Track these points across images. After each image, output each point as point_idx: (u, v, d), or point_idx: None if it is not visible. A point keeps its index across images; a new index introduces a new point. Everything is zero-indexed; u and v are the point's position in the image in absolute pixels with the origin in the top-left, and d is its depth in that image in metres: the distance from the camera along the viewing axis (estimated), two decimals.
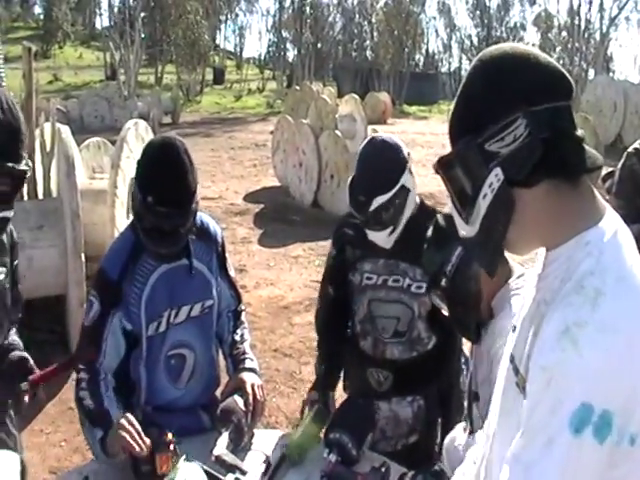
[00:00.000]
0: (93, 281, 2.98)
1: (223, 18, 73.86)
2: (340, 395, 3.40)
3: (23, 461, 2.32)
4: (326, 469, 2.55)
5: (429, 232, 2.70)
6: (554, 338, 1.26)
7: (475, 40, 73.26)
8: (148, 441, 2.51)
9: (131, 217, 2.86)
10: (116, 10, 55.96)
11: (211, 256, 3.01)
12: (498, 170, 1.36)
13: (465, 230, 1.48)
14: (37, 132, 7.20)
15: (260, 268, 10.24)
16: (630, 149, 3.42)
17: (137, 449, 2.48)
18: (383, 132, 3.38)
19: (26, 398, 2.53)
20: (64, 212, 6.53)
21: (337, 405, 3.15)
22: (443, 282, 2.39)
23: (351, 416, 2.81)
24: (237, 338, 3.14)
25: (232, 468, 2.54)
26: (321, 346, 3.49)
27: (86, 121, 28.23)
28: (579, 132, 1.38)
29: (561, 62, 52.55)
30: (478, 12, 72.65)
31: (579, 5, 48.21)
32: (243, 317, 3.25)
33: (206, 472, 2.48)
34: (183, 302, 2.91)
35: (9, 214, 2.40)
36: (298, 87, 25.54)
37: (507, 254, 2.10)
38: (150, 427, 2.64)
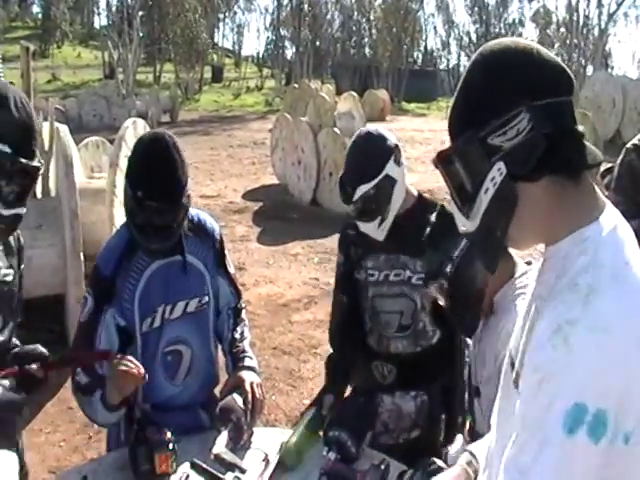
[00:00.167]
0: (88, 278, 2.99)
1: (221, 16, 73.82)
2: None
3: (24, 461, 2.32)
4: (325, 467, 2.54)
5: (432, 218, 2.72)
6: (546, 336, 1.26)
7: (474, 37, 73.19)
8: (143, 370, 2.59)
9: None
10: (114, 9, 56.18)
11: (207, 252, 3.01)
12: (501, 164, 1.35)
13: (465, 225, 1.47)
14: None
15: (259, 266, 10.24)
16: (629, 145, 3.42)
17: (136, 372, 2.55)
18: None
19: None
20: (63, 211, 6.53)
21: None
22: (445, 278, 2.38)
23: (350, 414, 2.81)
24: (237, 336, 3.12)
25: (231, 466, 2.53)
26: (333, 369, 3.35)
27: (84, 120, 28.26)
28: (580, 128, 1.38)
29: (560, 58, 52.53)
30: (476, 8, 72.65)
31: (577, 1, 48.31)
32: (243, 315, 3.24)
33: (205, 471, 2.48)
34: (178, 298, 2.90)
35: (22, 211, 2.44)
36: (297, 85, 25.51)
37: (512, 250, 2.10)
38: (149, 426, 2.64)
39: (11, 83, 2.75)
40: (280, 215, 13.35)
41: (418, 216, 3.03)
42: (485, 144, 1.36)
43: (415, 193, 3.13)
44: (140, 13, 47.15)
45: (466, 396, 2.65)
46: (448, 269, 2.37)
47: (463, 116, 1.44)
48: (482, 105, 1.38)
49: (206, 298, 2.99)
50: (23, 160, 2.33)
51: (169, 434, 2.60)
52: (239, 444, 2.73)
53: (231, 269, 3.16)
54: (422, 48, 76.43)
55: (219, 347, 3.17)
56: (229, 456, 2.57)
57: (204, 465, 2.48)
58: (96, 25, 79.89)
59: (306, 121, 14.56)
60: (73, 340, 2.91)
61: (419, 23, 64.53)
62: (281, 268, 10.21)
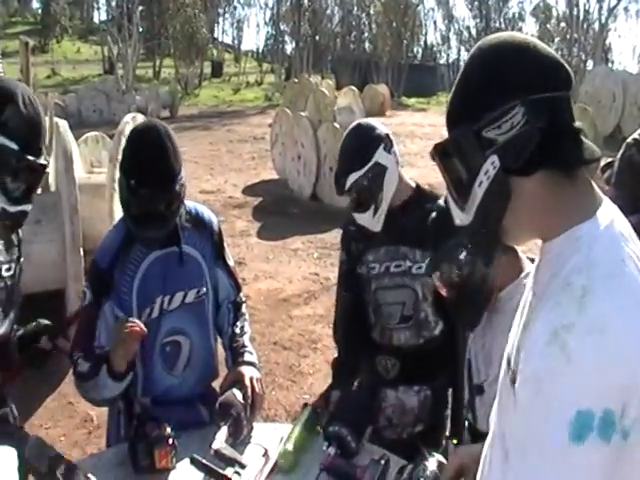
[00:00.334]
0: (87, 273, 3.03)
1: (221, 11, 73.86)
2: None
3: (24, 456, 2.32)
4: (325, 462, 2.54)
5: (432, 215, 2.73)
6: (542, 343, 1.24)
7: (474, 31, 72.92)
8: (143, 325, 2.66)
9: None
10: (114, 4, 55.99)
11: (205, 244, 3.02)
12: (494, 157, 1.35)
13: (460, 218, 1.47)
14: None
15: (259, 261, 10.24)
16: (629, 139, 3.40)
17: (139, 329, 2.62)
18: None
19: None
20: (62, 207, 6.51)
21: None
22: (457, 265, 2.38)
23: (350, 409, 2.81)
24: (237, 330, 3.13)
25: (231, 462, 2.52)
26: (338, 369, 3.41)
27: (84, 115, 28.21)
28: (577, 124, 1.37)
29: (560, 53, 52.49)
30: (476, 3, 72.36)
31: None
32: (244, 309, 3.24)
33: (205, 466, 2.48)
34: (176, 288, 2.92)
35: (28, 208, 2.47)
36: (296, 80, 25.51)
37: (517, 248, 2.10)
38: (148, 422, 2.65)
39: (18, 80, 2.77)
40: (280, 210, 13.35)
41: (416, 207, 3.08)
42: (479, 137, 1.37)
43: (413, 185, 3.17)
44: (140, 8, 47.22)
45: (466, 394, 2.64)
46: (462, 256, 2.36)
47: (459, 109, 1.44)
48: (478, 98, 1.38)
49: (204, 289, 2.99)
50: (30, 157, 2.36)
51: (169, 429, 2.60)
52: (239, 439, 2.73)
53: (230, 262, 3.16)
54: (422, 43, 76.16)
55: (219, 340, 3.18)
56: (229, 451, 2.57)
57: (204, 461, 2.48)
58: (96, 20, 79.84)
59: (306, 116, 14.54)
60: (74, 334, 2.91)
61: (419, 18, 64.37)
62: (281, 263, 10.20)
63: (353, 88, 25.04)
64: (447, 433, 3.17)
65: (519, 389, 1.30)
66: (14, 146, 2.32)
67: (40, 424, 5.42)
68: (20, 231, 2.74)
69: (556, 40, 61.74)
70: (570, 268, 1.29)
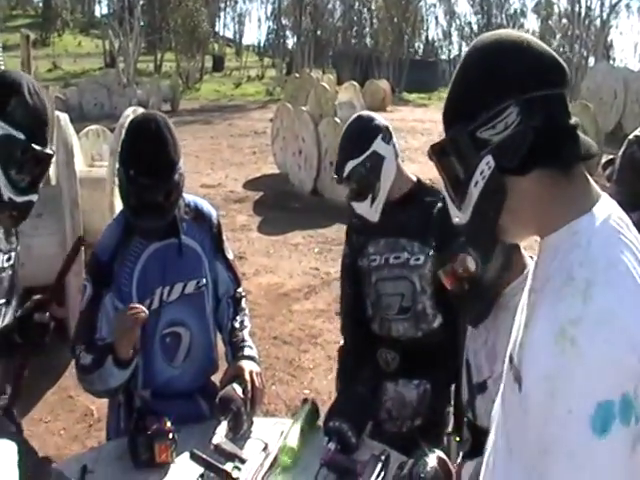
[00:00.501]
0: (87, 266, 3.04)
1: (222, 5, 73.78)
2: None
3: (25, 447, 2.32)
4: (325, 457, 2.53)
5: (438, 205, 2.76)
6: (551, 341, 1.23)
7: (475, 27, 73.13)
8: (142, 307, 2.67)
9: None
10: None
11: (204, 236, 3.03)
12: (489, 158, 1.36)
13: (457, 217, 1.48)
14: None
15: (259, 255, 10.24)
16: (631, 136, 3.39)
17: (143, 314, 2.63)
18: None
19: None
20: (63, 200, 6.52)
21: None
22: (465, 270, 2.39)
23: (350, 404, 2.81)
24: (236, 325, 3.13)
25: (231, 457, 2.52)
26: (345, 357, 3.50)
27: (85, 109, 28.20)
28: (573, 120, 1.37)
29: (561, 49, 52.54)
30: None
31: None
32: (243, 303, 3.24)
33: (205, 461, 2.48)
34: (176, 279, 2.93)
35: (34, 198, 2.49)
36: (297, 74, 25.51)
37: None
38: (148, 415, 2.65)
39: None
40: (281, 205, 13.35)
41: (416, 200, 3.14)
42: (474, 137, 1.37)
43: (414, 179, 3.23)
44: (141, 2, 47.07)
45: (465, 394, 2.64)
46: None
47: (454, 109, 1.45)
48: (472, 98, 1.39)
49: (204, 280, 3.00)
50: (37, 147, 2.38)
51: (169, 424, 2.61)
52: (239, 434, 2.73)
53: (229, 255, 3.17)
54: (423, 38, 76.29)
55: (219, 334, 3.19)
56: (229, 446, 2.57)
57: (204, 456, 2.48)
58: (97, 14, 79.76)
59: (307, 111, 14.54)
60: (75, 327, 2.92)
61: (420, 13, 64.49)
62: (282, 258, 10.21)
63: (354, 83, 24.99)
64: (449, 429, 3.18)
65: (530, 391, 1.28)
66: (20, 136, 2.34)
67: (40, 418, 5.43)
68: None
69: (557, 37, 61.85)
70: (571, 263, 1.29)
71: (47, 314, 2.64)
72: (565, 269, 1.29)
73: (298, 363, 6.72)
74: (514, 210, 1.39)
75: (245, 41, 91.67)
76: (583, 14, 49.64)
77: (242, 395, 2.79)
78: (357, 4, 68.64)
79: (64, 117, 6.93)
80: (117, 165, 2.76)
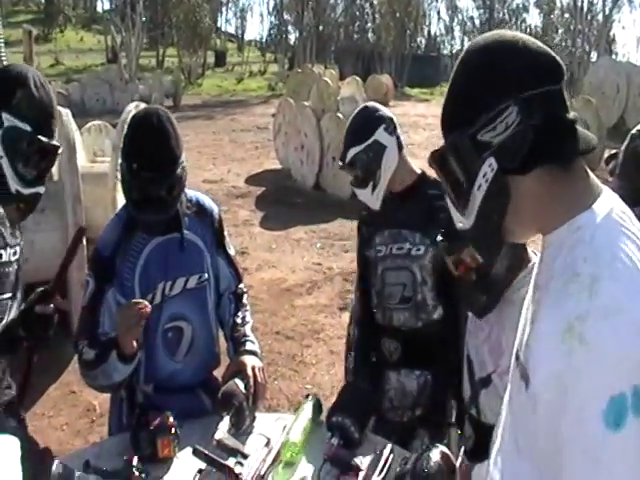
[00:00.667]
0: (89, 261, 3.04)
1: (224, 0, 73.72)
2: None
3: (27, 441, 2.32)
4: (328, 452, 2.53)
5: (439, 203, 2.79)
6: (558, 338, 1.22)
7: (477, 22, 72.90)
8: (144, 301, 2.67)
9: None
10: None
11: (206, 231, 3.04)
12: (492, 160, 1.36)
13: (461, 222, 1.48)
14: None
15: (262, 250, 10.25)
16: (634, 131, 3.39)
17: (148, 309, 2.63)
18: None
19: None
20: (65, 196, 6.52)
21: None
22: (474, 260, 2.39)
23: (353, 399, 2.81)
24: (238, 320, 3.14)
25: (233, 452, 2.52)
26: (355, 343, 3.58)
27: (87, 104, 28.21)
28: (571, 115, 1.37)
29: (563, 44, 52.47)
30: None
31: None
32: (245, 299, 3.25)
33: (207, 457, 2.48)
34: (178, 274, 2.93)
35: (41, 190, 2.53)
36: (300, 70, 25.55)
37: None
38: (151, 410, 2.65)
39: None
40: (283, 200, 13.35)
41: (419, 192, 3.21)
42: (475, 141, 1.37)
43: (418, 171, 3.29)
44: None
45: (467, 390, 2.63)
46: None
47: (453, 114, 1.45)
48: (470, 102, 1.39)
49: (205, 275, 3.01)
50: (43, 139, 2.41)
51: (171, 419, 2.61)
52: (241, 429, 2.73)
53: (231, 251, 3.18)
54: (425, 33, 76.05)
55: (220, 331, 3.18)
56: (231, 442, 2.56)
57: (206, 451, 2.48)
58: (99, 9, 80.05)
59: (309, 106, 14.55)
60: (77, 322, 2.92)
61: (422, 8, 64.23)
62: (284, 253, 10.22)
63: (356, 78, 25.01)
64: (452, 420, 3.19)
65: (539, 390, 1.27)
66: (27, 128, 2.37)
67: (43, 413, 5.43)
68: None
69: (560, 31, 61.68)
70: (575, 258, 1.29)
71: (51, 306, 2.65)
72: (570, 265, 1.29)
73: (300, 358, 6.72)
74: (517, 210, 1.39)
75: (247, 36, 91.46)
76: (585, 8, 49.57)
77: (244, 390, 2.79)
78: None
79: (66, 113, 6.93)
80: (119, 160, 2.77)
